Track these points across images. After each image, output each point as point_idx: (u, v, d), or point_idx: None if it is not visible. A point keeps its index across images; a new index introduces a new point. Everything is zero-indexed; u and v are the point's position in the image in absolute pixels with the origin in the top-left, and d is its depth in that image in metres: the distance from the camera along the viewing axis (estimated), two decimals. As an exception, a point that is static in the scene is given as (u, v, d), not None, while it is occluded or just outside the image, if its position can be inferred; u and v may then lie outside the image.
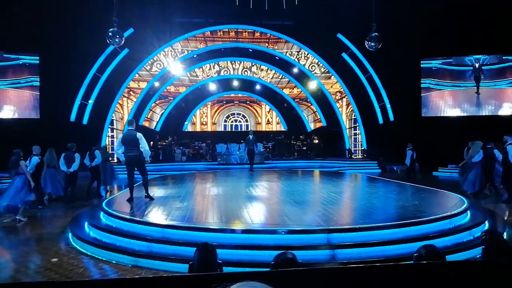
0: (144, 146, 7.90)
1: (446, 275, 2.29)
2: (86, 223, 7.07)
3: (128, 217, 6.59)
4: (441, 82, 19.97)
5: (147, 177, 8.43)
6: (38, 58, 17.86)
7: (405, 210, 7.04)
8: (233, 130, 26.79)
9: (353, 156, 22.32)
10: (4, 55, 17.51)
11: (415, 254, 2.99)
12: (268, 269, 2.72)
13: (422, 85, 20.18)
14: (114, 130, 22.17)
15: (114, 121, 22.20)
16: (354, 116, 22.49)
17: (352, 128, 23.96)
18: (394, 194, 9.59)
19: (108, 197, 10.31)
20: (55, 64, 17.13)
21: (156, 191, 10.08)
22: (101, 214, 7.32)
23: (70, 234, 6.82)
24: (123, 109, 22.96)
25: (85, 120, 18.81)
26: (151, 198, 8.42)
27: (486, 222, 6.72)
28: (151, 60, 21.95)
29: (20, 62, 17.72)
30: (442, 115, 20.04)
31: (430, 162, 16.59)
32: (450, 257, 4.90)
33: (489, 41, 17.87)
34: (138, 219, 6.43)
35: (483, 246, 3.61)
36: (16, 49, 17.34)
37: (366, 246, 5.34)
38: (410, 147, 13.81)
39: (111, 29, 11.15)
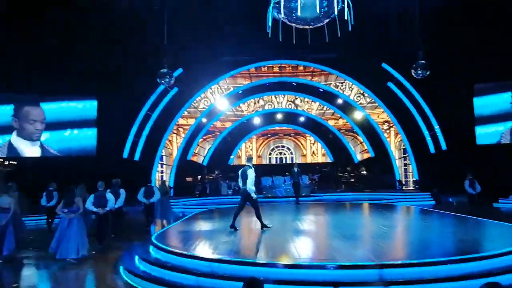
0: (249, 181, 8.44)
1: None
2: (136, 257, 7.24)
3: (176, 251, 6.68)
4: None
5: (258, 210, 8.79)
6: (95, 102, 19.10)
7: (464, 244, 6.59)
8: (278, 162, 26.78)
9: (404, 188, 21.41)
10: (63, 104, 18.85)
11: (478, 292, 2.80)
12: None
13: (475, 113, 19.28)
14: (164, 166, 22.94)
15: (164, 157, 23.01)
16: (404, 146, 21.77)
17: (402, 159, 23.14)
18: (450, 227, 9.04)
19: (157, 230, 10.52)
20: (111, 105, 18.27)
21: (203, 225, 10.20)
22: (151, 248, 7.48)
23: (121, 268, 7.00)
24: (172, 145, 23.80)
25: (136, 157, 19.67)
26: (267, 227, 8.78)
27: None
28: (199, 98, 22.83)
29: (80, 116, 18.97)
30: (499, 142, 18.90)
31: (489, 193, 15.53)
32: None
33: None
34: (186, 252, 6.50)
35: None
36: (74, 91, 18.69)
37: (421, 283, 5.04)
38: (469, 177, 12.83)
39: (161, 70, 11.85)
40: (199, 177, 21.07)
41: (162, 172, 22.62)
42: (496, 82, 19.01)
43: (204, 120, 22.67)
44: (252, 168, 8.71)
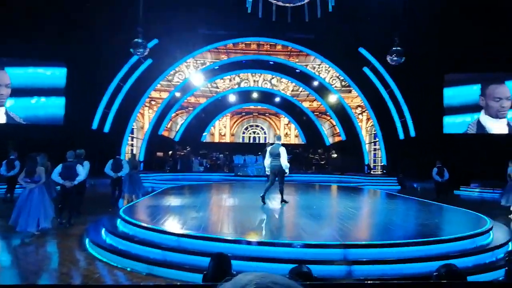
0: (284, 158, 8.88)
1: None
2: (103, 230, 7.14)
3: (144, 224, 6.63)
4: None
5: (283, 185, 9.26)
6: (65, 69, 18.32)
7: (425, 228, 6.86)
8: (251, 142, 26.84)
9: (372, 172, 21.97)
10: (30, 70, 17.98)
11: (434, 273, 2.90)
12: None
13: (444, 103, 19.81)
14: (134, 139, 22.51)
15: (135, 130, 22.55)
16: (374, 131, 22.22)
17: (372, 143, 23.65)
18: (413, 211, 9.37)
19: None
20: (81, 73, 17.59)
21: (172, 201, 10.14)
22: (118, 221, 7.39)
23: (87, 240, 6.89)
24: (144, 118, 23.33)
25: (106, 128, 19.18)
26: (286, 202, 9.22)
27: (510, 243, 6.47)
28: (173, 71, 22.33)
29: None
30: (465, 132, 19.59)
31: (452, 180, 16.17)
32: (471, 278, 4.73)
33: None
34: (153, 227, 6.46)
35: (506, 268, 3.49)
36: (43, 57, 17.85)
37: (383, 263, 5.22)
38: (438, 165, 13.12)
39: (135, 40, 11.44)
40: (170, 152, 20.84)
41: (132, 145, 22.21)
42: (467, 73, 19.54)
43: (177, 94, 22.26)
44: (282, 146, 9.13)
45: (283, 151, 8.98)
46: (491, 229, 6.72)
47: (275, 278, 0.78)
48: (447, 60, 18.40)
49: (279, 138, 9.60)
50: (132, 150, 21.66)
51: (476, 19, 16.69)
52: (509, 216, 10.53)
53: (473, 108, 19.51)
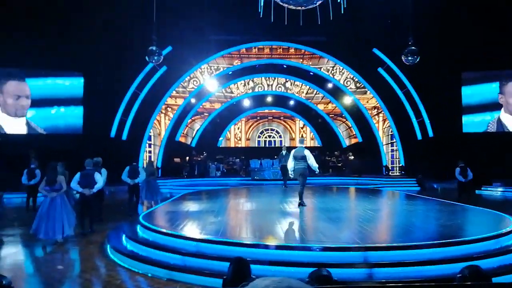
0: (312, 160, 9.17)
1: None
2: (123, 236, 7.24)
3: (164, 230, 6.70)
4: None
5: (303, 188, 9.45)
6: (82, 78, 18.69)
7: (447, 229, 6.73)
8: (267, 145, 26.85)
9: (390, 173, 21.70)
10: (49, 80, 18.40)
11: (458, 275, 2.85)
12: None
13: (463, 102, 19.44)
14: (152, 146, 22.79)
15: (152, 137, 22.84)
16: (391, 132, 21.97)
17: (389, 144, 23.37)
18: (434, 212, 9.21)
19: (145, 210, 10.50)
20: (98, 83, 17.93)
21: (191, 206, 10.22)
22: (138, 227, 7.49)
23: (108, 247, 7.00)
24: (160, 125, 23.60)
25: (124, 136, 19.47)
26: (304, 205, 9.37)
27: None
28: (188, 77, 22.55)
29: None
30: (485, 131, 19.17)
31: (474, 180, 15.82)
32: (496, 279, 4.62)
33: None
34: (173, 232, 6.52)
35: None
36: (61, 67, 18.25)
37: (404, 266, 5.15)
38: (460, 164, 12.80)
39: (150, 48, 11.61)
40: (187, 158, 21.02)
41: (150, 152, 22.48)
42: (484, 71, 19.16)
43: (193, 100, 22.46)
44: (306, 149, 9.41)
45: (308, 153, 9.24)
46: (515, 229, 6.55)
47: (291, 282, 0.80)
48: (464, 58, 18.09)
49: (302, 141, 9.92)
50: (150, 156, 21.93)
51: (492, 16, 16.38)
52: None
53: (493, 106, 19.10)
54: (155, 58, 11.90)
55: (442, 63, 17.72)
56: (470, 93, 19.47)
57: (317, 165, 9.33)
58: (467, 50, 17.49)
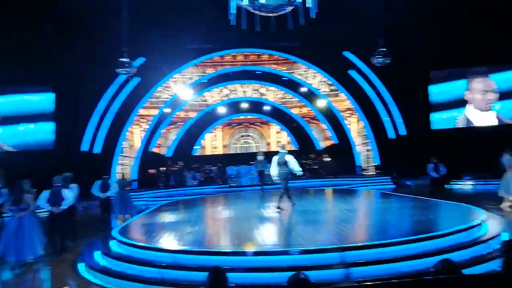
0: (295, 165, 9.52)
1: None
2: (97, 252, 7.04)
3: (138, 243, 6.55)
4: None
5: (287, 191, 9.80)
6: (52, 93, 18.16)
7: (420, 224, 6.87)
8: (244, 152, 26.79)
9: (365, 173, 22.03)
10: (16, 97, 17.83)
11: (432, 269, 2.91)
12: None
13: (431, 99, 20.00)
14: (126, 158, 22.36)
15: (126, 149, 22.41)
16: (365, 132, 22.35)
17: (364, 145, 23.74)
18: (408, 209, 9.39)
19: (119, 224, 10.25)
20: (69, 96, 17.50)
21: (167, 217, 10.06)
22: (112, 242, 7.30)
23: (81, 264, 6.79)
24: (134, 136, 23.20)
25: (97, 149, 19.04)
26: (282, 209, 9.45)
27: (505, 233, 6.50)
28: (161, 87, 22.31)
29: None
30: (453, 127, 19.75)
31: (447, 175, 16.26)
32: (468, 271, 4.73)
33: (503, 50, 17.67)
34: (148, 245, 6.39)
35: (503, 258, 3.49)
36: (30, 83, 17.72)
37: (381, 263, 5.21)
38: (433, 161, 13.13)
39: (121, 59, 11.44)
40: (162, 169, 20.72)
41: (124, 164, 22.04)
42: (451, 69, 19.77)
43: (167, 110, 22.22)
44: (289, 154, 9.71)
45: (290, 158, 9.57)
46: (485, 220, 6.75)
47: None
48: (432, 58, 18.64)
49: (283, 147, 10.17)
50: (123, 169, 21.50)
51: (456, 15, 16.94)
52: (501, 206, 10.58)
53: (460, 103, 19.72)
54: (127, 69, 11.74)
55: (411, 63, 18.18)
56: (438, 91, 20.04)
57: (299, 169, 9.66)
58: (434, 50, 18.03)
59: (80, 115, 18.36)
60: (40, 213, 10.38)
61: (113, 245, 7.15)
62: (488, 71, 19.40)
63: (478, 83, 19.51)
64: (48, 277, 6.66)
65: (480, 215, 7.03)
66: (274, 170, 9.71)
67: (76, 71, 16.87)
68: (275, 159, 9.75)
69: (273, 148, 26.64)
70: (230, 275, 3.23)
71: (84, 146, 18.73)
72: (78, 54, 16.50)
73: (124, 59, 11.50)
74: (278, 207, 9.47)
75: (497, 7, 16.60)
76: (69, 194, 8.36)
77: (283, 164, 9.51)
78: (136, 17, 13.28)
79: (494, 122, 19.29)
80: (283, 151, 9.83)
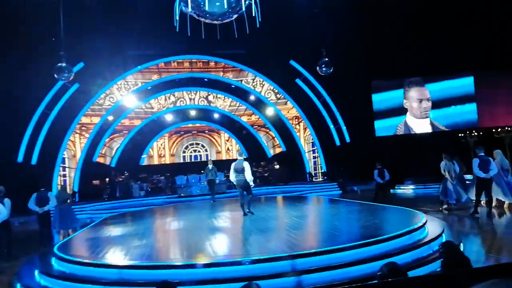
0: (248, 172, 9.45)
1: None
2: (36, 271, 6.54)
3: (81, 260, 6.17)
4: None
5: (252, 196, 10.02)
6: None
7: (367, 229, 7.11)
8: (193, 160, 26.42)
9: (314, 179, 22.57)
10: None
11: (378, 273, 2.98)
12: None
13: (374, 107, 21.00)
14: (67, 169, 21.16)
15: (66, 160, 21.22)
16: (312, 139, 22.94)
17: (311, 152, 24.36)
18: (355, 214, 9.70)
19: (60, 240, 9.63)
20: (1, 101, 16.26)
21: (112, 230, 9.60)
22: (53, 259, 6.82)
23: (18, 285, 6.26)
24: (75, 146, 22.06)
25: (34, 160, 17.84)
26: (252, 213, 9.79)
27: (443, 234, 6.90)
28: (104, 94, 21.45)
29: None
30: (395, 134, 20.86)
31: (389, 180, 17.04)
32: (412, 273, 4.94)
33: (439, 62, 18.97)
34: (92, 261, 6.03)
35: (441, 259, 3.69)
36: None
37: (331, 269, 5.29)
38: (378, 166, 13.69)
39: (58, 64, 10.81)
40: (107, 179, 19.86)
41: (64, 176, 20.84)
42: (391, 79, 20.93)
43: (110, 118, 21.37)
44: (245, 160, 9.66)
45: (247, 165, 9.52)
46: (425, 223, 7.12)
47: None
48: (373, 68, 19.63)
49: (241, 154, 10.20)
50: (64, 181, 20.33)
51: (395, 27, 17.95)
52: (440, 209, 11.29)
53: (400, 111, 20.92)
54: (65, 75, 11.10)
55: (354, 72, 19.00)
56: (380, 99, 21.13)
57: (252, 178, 9.64)
58: (376, 60, 18.99)
59: (14, 123, 17.12)
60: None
61: (54, 263, 6.68)
62: (423, 81, 20.77)
63: (414, 92, 20.83)
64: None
65: (421, 218, 7.41)
66: (232, 177, 9.74)
67: (9, 75, 15.76)
68: (232, 166, 9.73)
69: (224, 156, 26.54)
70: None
71: (19, 157, 17.48)
72: (10, 57, 15.45)
73: (62, 64, 10.87)
74: (248, 212, 9.72)
75: (432, 20, 17.82)
76: (2, 209, 7.69)
77: (240, 171, 9.51)
78: (75, 20, 12.69)
79: (429, 129, 20.65)
80: (240, 157, 9.84)
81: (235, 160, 10.09)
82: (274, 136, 24.21)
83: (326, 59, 12.18)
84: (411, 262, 5.61)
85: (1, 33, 14.90)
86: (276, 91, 23.28)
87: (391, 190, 17.35)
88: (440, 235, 6.71)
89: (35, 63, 15.75)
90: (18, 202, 9.48)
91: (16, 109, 16.98)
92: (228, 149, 27.08)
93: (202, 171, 17.99)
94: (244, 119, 24.69)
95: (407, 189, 18.25)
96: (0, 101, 16.26)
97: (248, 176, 9.50)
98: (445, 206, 11.27)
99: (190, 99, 24.55)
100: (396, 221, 8.06)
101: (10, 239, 8.95)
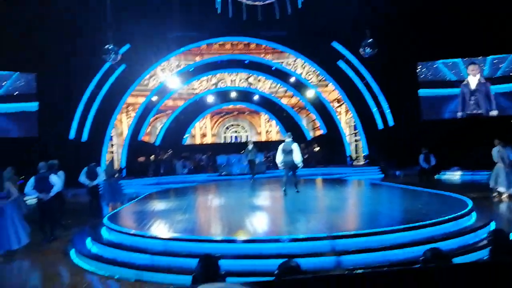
0: (297, 154, 9.66)
1: (453, 277, 2.25)
2: (88, 239, 7.00)
3: (129, 231, 6.53)
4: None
5: (297, 178, 10.30)
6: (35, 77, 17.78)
7: (409, 214, 6.98)
8: (233, 141, 26.79)
9: (354, 163, 22.22)
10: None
11: (421, 258, 2.94)
12: (272, 278, 2.67)
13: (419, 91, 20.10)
14: (114, 146, 22.15)
15: (114, 137, 22.20)
16: (354, 122, 22.49)
17: (353, 135, 23.93)
18: (397, 198, 9.53)
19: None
20: (53, 82, 17.15)
21: (157, 205, 10.03)
22: (103, 229, 7.26)
23: (72, 251, 6.75)
24: (122, 124, 22.98)
25: (84, 137, 18.81)
26: (298, 192, 10.00)
27: (493, 222, 6.64)
28: (149, 75, 22.05)
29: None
30: (442, 117, 19.92)
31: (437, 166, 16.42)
32: (456, 260, 4.83)
33: (488, 42, 17.84)
34: (139, 232, 6.37)
35: (490, 247, 3.57)
36: (12, 69, 17.35)
37: (371, 252, 5.28)
38: (424, 151, 13.25)
39: (106, 46, 11.23)
40: (152, 157, 20.61)
41: (112, 152, 21.85)
42: (439, 60, 19.91)
43: (154, 98, 22.00)
44: (294, 142, 9.85)
45: (295, 147, 9.69)
46: (473, 210, 6.88)
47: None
48: (420, 48, 18.73)
49: (289, 135, 10.19)
50: (112, 157, 21.32)
51: (445, 6, 16.99)
52: (492, 196, 10.78)
53: (451, 95, 19.85)
54: (112, 56, 11.52)
55: (400, 54, 18.25)
56: (427, 82, 20.15)
57: (301, 159, 9.79)
58: (423, 39, 18.09)
59: (66, 102, 18.05)
60: (28, 201, 10.36)
61: (104, 232, 7.11)
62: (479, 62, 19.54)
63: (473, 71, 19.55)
64: (38, 265, 6.58)
65: (468, 204, 7.16)
66: (279, 157, 9.88)
67: (61, 57, 16.54)
68: (280, 146, 9.89)
69: (263, 137, 26.69)
70: (221, 262, 3.24)
71: (71, 134, 18.48)
72: (63, 40, 16.16)
73: (109, 46, 11.28)
74: (284, 191, 9.81)
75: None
76: (57, 180, 8.21)
77: (288, 152, 9.67)
78: (121, 3, 13.04)
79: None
80: (289, 139, 9.92)
81: (274, 141, 10.18)
82: (314, 118, 23.96)
83: (370, 40, 11.80)
84: (456, 248, 5.47)
85: (54, 18, 15.59)
86: (317, 73, 22.90)
87: (436, 176, 16.81)
88: (488, 223, 6.47)
89: (85, 44, 16.41)
90: (70, 176, 10.06)
91: (69, 90, 17.84)
92: (267, 130, 27.17)
93: (243, 152, 18.23)
94: (284, 101, 24.57)
95: (454, 175, 17.56)
96: (54, 82, 17.17)
97: (298, 157, 9.65)
98: (495, 194, 10.77)
99: (231, 81, 24.73)
100: (441, 206, 7.83)
101: (62, 209, 9.58)
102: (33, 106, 17.69)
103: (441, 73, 19.97)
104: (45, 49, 16.18)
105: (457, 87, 19.58)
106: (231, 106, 25.85)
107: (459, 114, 19.48)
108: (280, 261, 3.01)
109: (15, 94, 17.53)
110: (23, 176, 10.60)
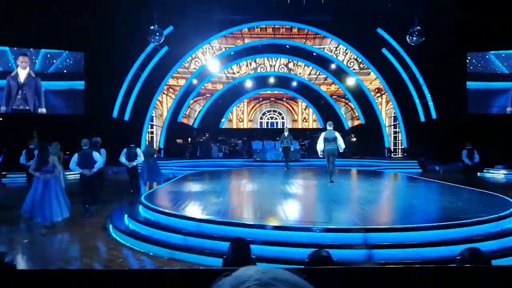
0: (339, 142, 9.86)
1: (491, 279, 2.16)
2: (125, 216, 7.30)
3: (165, 210, 6.74)
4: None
5: (334, 166, 10.35)
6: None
7: (447, 211, 6.75)
8: (269, 127, 26.79)
9: (392, 155, 21.67)
10: (49, 50, 18.10)
11: (457, 257, 2.85)
12: (302, 267, 2.68)
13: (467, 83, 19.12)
14: (154, 127, 22.78)
15: (154, 118, 22.80)
16: (394, 113, 21.84)
17: (392, 126, 23.27)
18: (435, 194, 9.23)
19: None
20: (99, 62, 17.75)
21: (192, 186, 10.27)
22: (140, 207, 7.54)
23: (110, 226, 7.07)
24: (162, 106, 23.54)
25: (126, 117, 19.44)
26: (332, 182, 10.04)
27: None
28: (190, 58, 22.36)
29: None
30: (489, 112, 18.91)
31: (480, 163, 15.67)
32: (495, 262, 4.64)
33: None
34: (174, 212, 6.57)
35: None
36: (60, 48, 18.08)
37: (404, 247, 5.17)
38: (468, 147, 12.60)
39: (151, 27, 11.48)
40: (189, 139, 21.04)
41: (152, 133, 22.49)
42: (490, 51, 18.82)
43: (195, 81, 22.32)
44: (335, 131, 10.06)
45: (338, 135, 9.92)
46: (516, 211, 6.55)
47: (276, 273, 0.76)
48: (469, 39, 17.75)
49: (330, 124, 10.23)
50: (152, 138, 21.95)
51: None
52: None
53: (500, 89, 18.78)
54: (157, 38, 11.80)
55: (448, 44, 17.41)
56: (476, 74, 19.13)
57: (344, 146, 10.07)
58: (472, 30, 17.14)
59: (111, 81, 18.67)
60: (69, 176, 10.89)
61: (141, 210, 7.39)
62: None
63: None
64: (78, 237, 6.96)
65: (511, 205, 6.83)
66: (320, 146, 9.97)
67: (107, 37, 17.02)
68: (322, 135, 10.01)
69: (300, 125, 26.48)
70: (251, 247, 3.29)
71: (114, 113, 19.16)
72: (109, 21, 16.60)
73: (154, 27, 11.52)
74: (331, 181, 9.97)
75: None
76: (99, 157, 8.54)
77: (332, 140, 9.81)
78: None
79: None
80: (331, 127, 10.03)
81: (311, 129, 10.13)
82: (353, 107, 23.47)
83: (418, 27, 11.34)
84: (496, 250, 5.25)
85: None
86: (360, 60, 22.30)
87: (479, 174, 16.09)
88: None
89: (129, 25, 16.80)
90: (111, 154, 10.46)
91: (113, 69, 18.42)
92: (305, 118, 26.93)
93: (278, 138, 18.20)
94: (323, 88, 24.19)
95: (498, 174, 16.75)
96: (101, 62, 17.76)
97: (342, 144, 9.88)
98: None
99: (271, 66, 24.59)
100: (481, 206, 7.51)
101: (102, 185, 10.00)
102: (80, 84, 18.40)
103: (492, 65, 18.84)
104: (93, 29, 16.72)
105: (509, 81, 18.41)
106: (268, 92, 25.78)
107: (509, 109, 18.30)
108: (311, 250, 3.02)
109: (64, 72, 18.30)
110: (68, 152, 11.12)
